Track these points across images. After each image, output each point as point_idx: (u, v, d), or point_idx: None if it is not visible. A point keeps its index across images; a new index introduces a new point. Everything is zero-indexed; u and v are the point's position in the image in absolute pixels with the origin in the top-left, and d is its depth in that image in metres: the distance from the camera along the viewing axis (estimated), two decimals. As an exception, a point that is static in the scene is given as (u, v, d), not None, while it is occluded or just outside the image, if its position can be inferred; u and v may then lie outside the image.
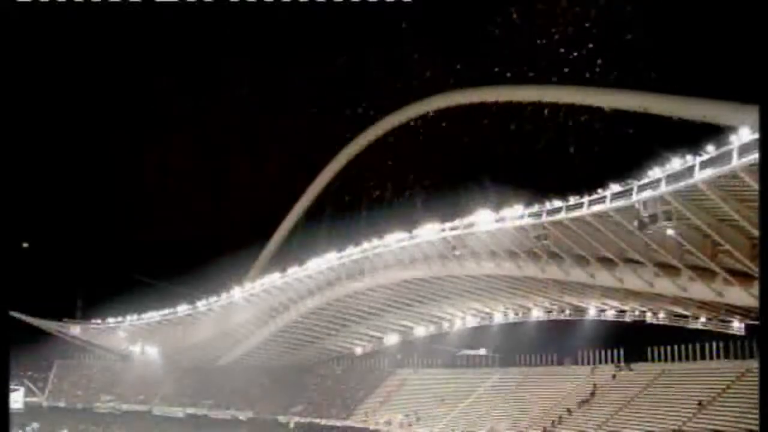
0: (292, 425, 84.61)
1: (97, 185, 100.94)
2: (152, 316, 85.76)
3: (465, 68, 77.94)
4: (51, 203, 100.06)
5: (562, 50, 71.88)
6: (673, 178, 34.73)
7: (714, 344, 55.05)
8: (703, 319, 52.21)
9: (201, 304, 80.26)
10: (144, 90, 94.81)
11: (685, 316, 53.36)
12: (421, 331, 77.89)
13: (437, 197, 75.84)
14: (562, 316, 63.20)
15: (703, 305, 47.26)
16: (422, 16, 69.68)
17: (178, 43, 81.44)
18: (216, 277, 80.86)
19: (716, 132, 35.62)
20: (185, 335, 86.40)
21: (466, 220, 52.43)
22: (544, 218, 44.45)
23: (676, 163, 34.89)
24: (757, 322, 40.95)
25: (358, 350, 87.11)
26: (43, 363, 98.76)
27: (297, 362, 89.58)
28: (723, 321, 50.91)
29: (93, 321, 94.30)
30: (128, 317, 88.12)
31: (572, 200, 42.34)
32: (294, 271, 70.45)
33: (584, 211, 41.08)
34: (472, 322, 71.87)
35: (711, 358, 55.75)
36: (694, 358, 57.30)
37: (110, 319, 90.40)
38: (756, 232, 31.25)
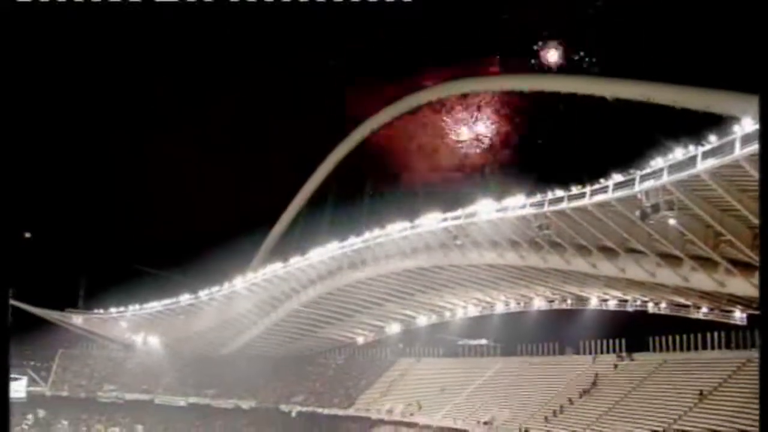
0: (294, 414, 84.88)
1: (99, 175, 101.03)
2: (154, 305, 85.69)
3: (465, 56, 77.81)
4: (53, 193, 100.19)
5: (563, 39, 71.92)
6: (675, 167, 34.64)
7: (715, 334, 55.05)
8: (704, 309, 52.18)
9: (203, 294, 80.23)
10: (145, 82, 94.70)
11: (687, 306, 53.35)
12: (422, 320, 78.00)
13: (439, 187, 76.11)
14: (563, 306, 63.24)
15: (705, 295, 47.27)
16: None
17: (184, 36, 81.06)
18: (218, 267, 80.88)
19: (719, 122, 35.60)
20: (187, 325, 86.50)
21: (468, 209, 52.39)
22: (546, 208, 44.38)
23: (678, 153, 34.82)
24: (758, 312, 40.88)
25: (360, 340, 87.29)
26: (46, 352, 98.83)
27: (299, 352, 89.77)
28: (724, 311, 50.85)
29: (95, 311, 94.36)
30: (130, 307, 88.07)
31: (574, 190, 42.32)
32: (296, 261, 70.48)
33: (586, 201, 41.04)
34: (473, 311, 71.92)
35: (712, 348, 55.73)
36: (696, 348, 57.28)
37: (112, 309, 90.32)
38: (758, 222, 31.21)
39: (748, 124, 30.29)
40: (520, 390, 67.33)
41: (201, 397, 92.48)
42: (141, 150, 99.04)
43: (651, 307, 56.16)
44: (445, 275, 62.46)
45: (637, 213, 37.47)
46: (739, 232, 35.28)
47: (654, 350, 61.14)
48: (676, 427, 48.17)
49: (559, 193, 43.58)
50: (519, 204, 47.19)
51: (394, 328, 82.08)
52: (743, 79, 40.51)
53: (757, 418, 20.39)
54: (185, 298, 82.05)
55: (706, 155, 32.78)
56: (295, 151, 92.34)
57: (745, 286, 38.05)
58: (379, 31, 78.16)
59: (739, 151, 30.55)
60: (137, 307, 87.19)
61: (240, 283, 76.82)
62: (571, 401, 60.17)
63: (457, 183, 77.10)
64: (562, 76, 71.43)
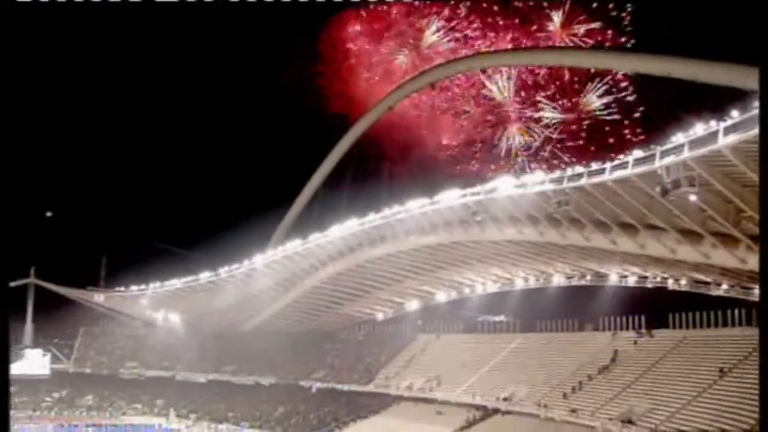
0: (314, 390, 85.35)
1: (119, 154, 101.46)
2: (174, 283, 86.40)
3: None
4: (73, 172, 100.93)
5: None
6: (696, 143, 34.44)
7: (736, 311, 54.72)
8: (725, 286, 51.96)
9: (223, 271, 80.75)
10: (167, 63, 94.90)
11: (707, 283, 53.15)
12: (442, 296, 78.23)
13: (457, 163, 76.04)
14: (583, 282, 63.15)
15: (726, 272, 47.01)
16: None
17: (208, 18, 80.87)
18: (237, 245, 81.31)
19: (741, 97, 35.24)
20: (208, 302, 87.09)
21: (487, 185, 52.28)
22: (566, 184, 44.25)
23: (699, 129, 34.56)
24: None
25: (380, 316, 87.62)
26: (69, 330, 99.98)
27: (318, 328, 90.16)
28: (745, 288, 50.58)
29: (116, 289, 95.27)
30: (151, 285, 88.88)
31: (594, 166, 42.12)
32: (315, 237, 70.69)
33: (606, 177, 40.88)
34: (492, 287, 72.00)
35: (733, 325, 55.37)
36: (716, 325, 56.87)
37: (133, 287, 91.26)
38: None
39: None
40: (539, 366, 67.28)
41: (221, 374, 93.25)
42: (161, 129, 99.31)
43: (671, 284, 55.98)
44: (465, 251, 62.45)
45: (658, 189, 37.25)
46: (761, 208, 35.02)
47: (674, 327, 60.71)
48: (695, 404, 48.09)
49: (579, 169, 43.40)
50: (538, 180, 47.06)
51: (413, 305, 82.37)
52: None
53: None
54: (205, 276, 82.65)
55: (727, 131, 32.55)
56: (314, 129, 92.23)
57: (766, 262, 37.77)
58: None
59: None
60: (158, 284, 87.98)
61: (259, 260, 77.20)
62: (590, 377, 60.14)
63: (472, 160, 77.19)
64: (581, 50, 70.99)
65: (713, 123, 33.59)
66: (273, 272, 77.38)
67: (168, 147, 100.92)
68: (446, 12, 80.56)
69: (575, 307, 68.30)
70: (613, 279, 60.12)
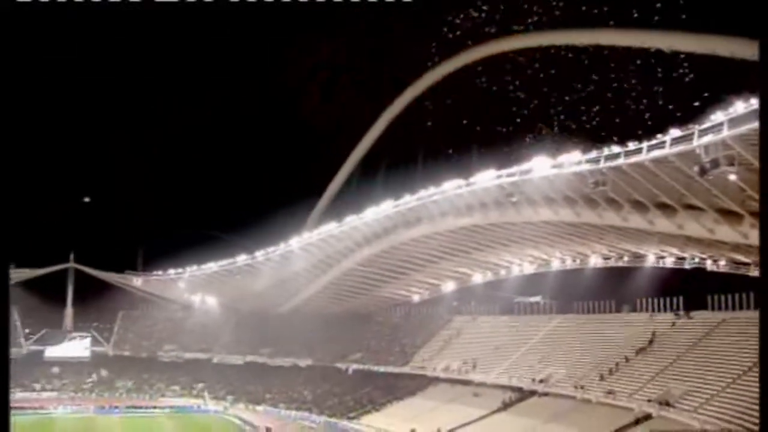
0: (350, 372, 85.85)
1: (156, 139, 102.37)
2: (211, 266, 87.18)
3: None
4: (111, 158, 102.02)
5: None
6: (735, 122, 33.84)
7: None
8: (765, 267, 51.12)
9: (259, 254, 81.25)
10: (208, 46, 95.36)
11: (747, 264, 52.38)
12: (478, 278, 78.04)
13: (493, 145, 75.52)
14: (620, 263, 62.62)
15: (766, 252, 46.26)
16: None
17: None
18: (273, 228, 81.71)
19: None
20: (244, 285, 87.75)
21: (523, 166, 51.91)
22: (603, 164, 43.73)
23: (739, 107, 33.97)
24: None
25: (416, 298, 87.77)
26: (109, 314, 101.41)
27: (354, 310, 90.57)
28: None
29: (154, 272, 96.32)
30: (188, 268, 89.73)
31: (631, 146, 41.59)
32: (351, 220, 70.78)
33: (643, 157, 40.29)
34: (529, 269, 71.70)
35: (774, 306, 54.59)
36: (756, 308, 56.19)
37: (171, 271, 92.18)
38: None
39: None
40: (575, 348, 67.07)
41: (258, 356, 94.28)
42: (199, 114, 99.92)
43: (709, 265, 55.24)
44: (501, 232, 62.13)
45: (696, 169, 36.68)
46: (803, 187, 34.39)
47: (713, 309, 60.12)
48: (735, 386, 47.58)
49: (616, 149, 42.89)
50: (575, 160, 46.60)
51: (449, 286, 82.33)
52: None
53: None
54: (242, 259, 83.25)
55: (768, 108, 31.94)
56: (348, 113, 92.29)
57: (809, 242, 37.14)
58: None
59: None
60: (195, 267, 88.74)
61: (295, 242, 77.55)
62: (627, 359, 59.79)
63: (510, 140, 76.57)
64: (615, 29, 70.05)
65: (753, 101, 32.97)
66: (309, 255, 77.71)
67: (206, 135, 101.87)
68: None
69: (612, 289, 67.84)
70: (651, 260, 59.47)
